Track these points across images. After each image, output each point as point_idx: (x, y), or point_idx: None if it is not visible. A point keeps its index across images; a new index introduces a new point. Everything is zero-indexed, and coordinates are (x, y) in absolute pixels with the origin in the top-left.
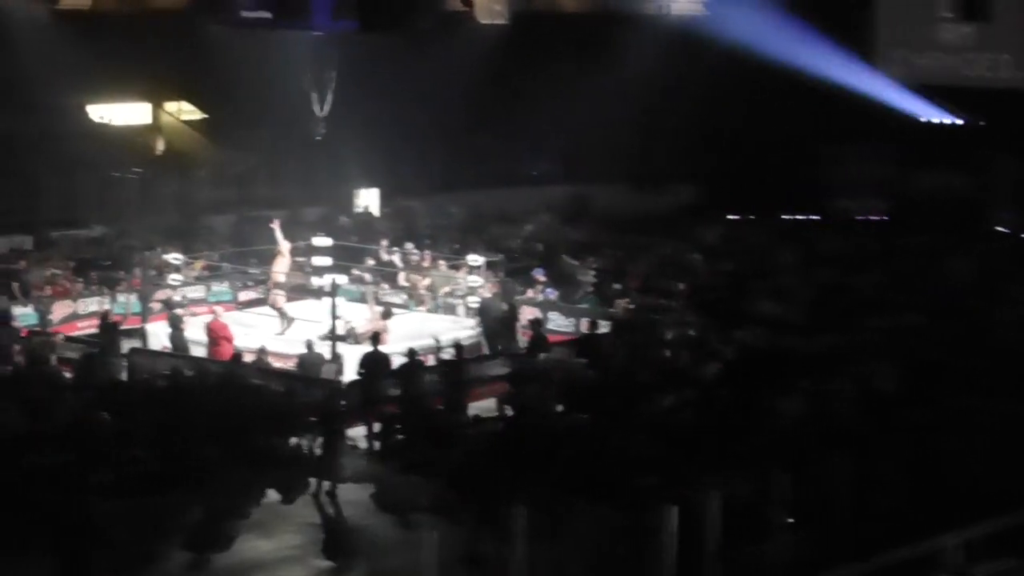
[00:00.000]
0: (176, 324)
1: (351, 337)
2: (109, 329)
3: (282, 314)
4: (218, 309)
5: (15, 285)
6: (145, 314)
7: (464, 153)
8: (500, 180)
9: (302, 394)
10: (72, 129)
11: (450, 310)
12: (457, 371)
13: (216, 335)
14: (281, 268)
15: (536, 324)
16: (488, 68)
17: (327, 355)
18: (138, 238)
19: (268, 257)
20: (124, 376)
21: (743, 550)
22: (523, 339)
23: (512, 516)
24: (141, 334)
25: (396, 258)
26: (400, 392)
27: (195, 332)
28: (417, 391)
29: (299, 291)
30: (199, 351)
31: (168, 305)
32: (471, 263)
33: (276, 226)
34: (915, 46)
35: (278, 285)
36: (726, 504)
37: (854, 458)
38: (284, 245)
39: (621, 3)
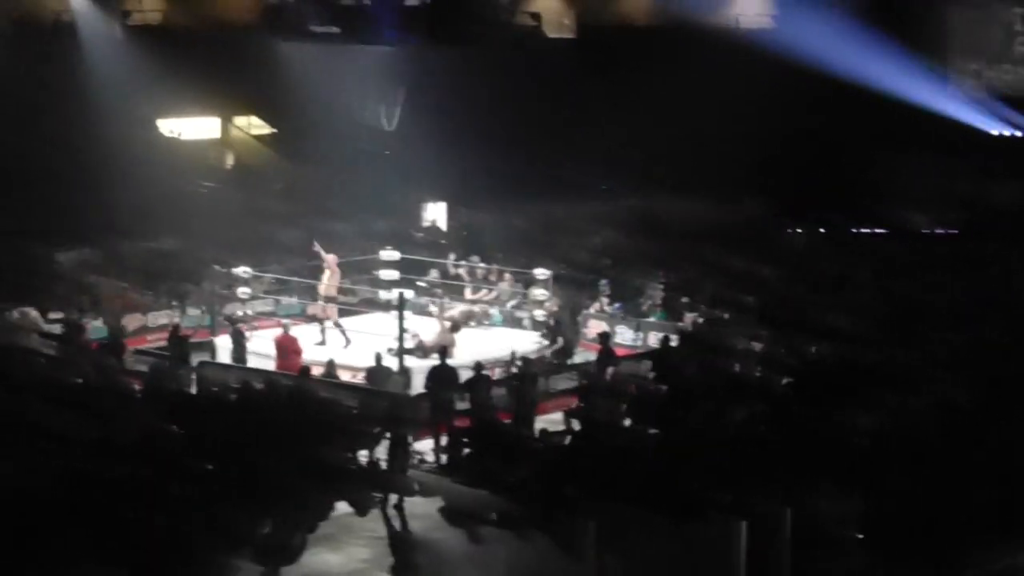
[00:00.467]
0: (237, 339)
1: (419, 350)
2: (179, 342)
3: (338, 327)
4: (286, 322)
5: (84, 298)
6: (214, 327)
7: (532, 167)
8: (568, 193)
9: (370, 407)
10: (143, 143)
11: (517, 322)
12: (524, 385)
13: (285, 348)
14: (331, 282)
15: (604, 337)
16: (556, 82)
17: (395, 368)
18: (208, 251)
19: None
20: (193, 389)
21: (813, 566)
22: (591, 353)
23: (580, 531)
24: (210, 347)
25: (463, 271)
26: (468, 405)
27: (262, 345)
28: (485, 404)
29: (367, 304)
30: (267, 364)
31: (231, 320)
32: (538, 276)
33: (318, 247)
34: (988, 58)
35: (329, 299)
36: (796, 520)
37: (928, 474)
38: (329, 259)
39: (690, 16)
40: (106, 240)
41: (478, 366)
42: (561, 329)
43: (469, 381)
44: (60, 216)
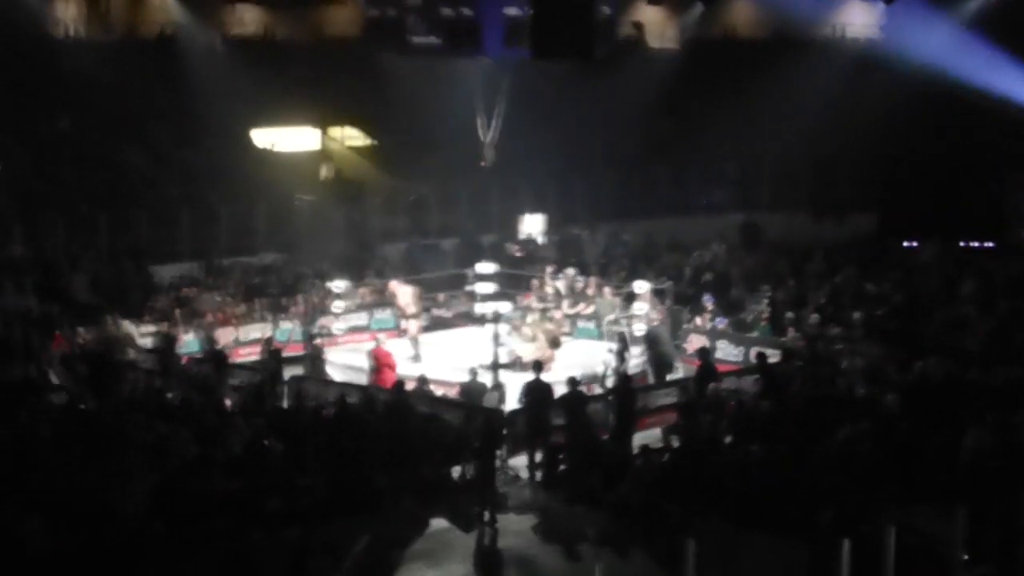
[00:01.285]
0: (316, 355)
1: (515, 365)
2: (273, 356)
3: (414, 343)
4: (380, 336)
5: (178, 311)
6: (308, 341)
7: (636, 180)
8: (672, 208)
9: (465, 422)
10: (244, 156)
11: (616, 337)
12: (622, 400)
13: (379, 362)
14: (407, 299)
15: (704, 353)
16: (660, 94)
17: (489, 383)
18: (309, 266)
19: (435, 284)
20: (288, 403)
21: None
22: (691, 368)
23: (681, 549)
24: (304, 361)
25: (560, 285)
26: (564, 421)
27: (356, 359)
28: (582, 420)
29: (462, 318)
30: (360, 378)
31: (309, 337)
32: (636, 290)
33: (394, 285)
34: None
35: (409, 316)
36: (902, 539)
37: None
38: (396, 289)
39: (795, 27)
40: (208, 254)
41: (573, 381)
42: (659, 344)
43: (564, 397)
44: (161, 230)
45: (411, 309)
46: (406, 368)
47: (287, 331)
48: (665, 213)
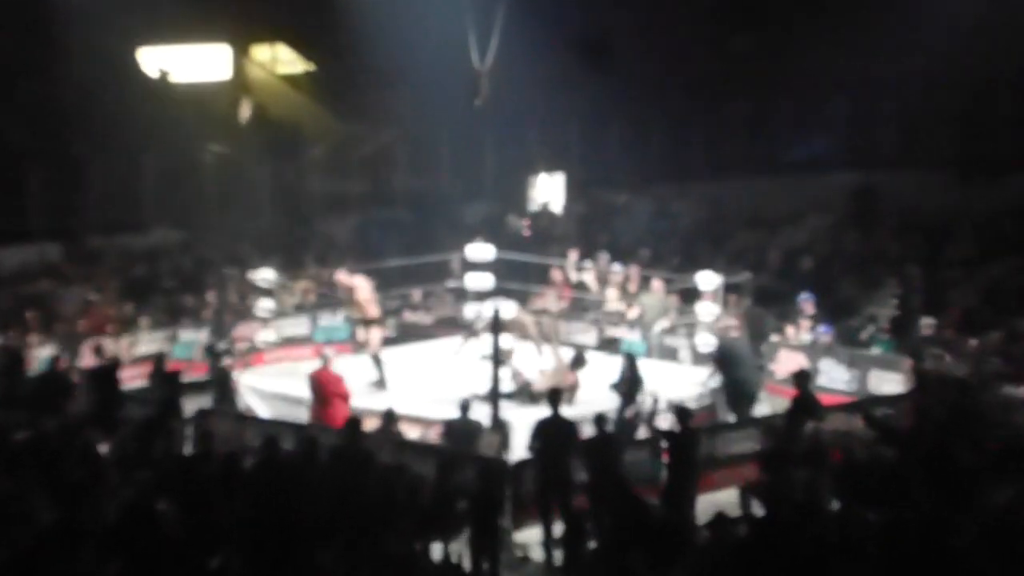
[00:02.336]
0: (223, 381)
1: (522, 394)
2: (167, 381)
3: (375, 361)
4: (328, 352)
5: (30, 315)
6: (220, 359)
7: (697, 125)
8: (751, 165)
9: (450, 477)
10: (124, 88)
11: (669, 354)
12: (681, 447)
13: (325, 390)
14: (367, 296)
15: (802, 378)
16: (734, 9)
17: (486, 421)
18: (216, 248)
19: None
20: (190, 449)
21: None
22: (780, 400)
23: None
24: (215, 388)
25: (589, 277)
26: (594, 477)
27: (292, 385)
28: (618, 475)
29: (446, 325)
30: (300, 413)
31: (213, 354)
32: (700, 284)
33: (341, 275)
34: None
35: (370, 322)
36: None
37: None
38: (349, 282)
39: None
40: (68, 231)
41: (600, 420)
42: (736, 365)
43: (593, 441)
44: (4, 199)
45: (373, 312)
46: (365, 399)
47: (188, 345)
48: (740, 172)
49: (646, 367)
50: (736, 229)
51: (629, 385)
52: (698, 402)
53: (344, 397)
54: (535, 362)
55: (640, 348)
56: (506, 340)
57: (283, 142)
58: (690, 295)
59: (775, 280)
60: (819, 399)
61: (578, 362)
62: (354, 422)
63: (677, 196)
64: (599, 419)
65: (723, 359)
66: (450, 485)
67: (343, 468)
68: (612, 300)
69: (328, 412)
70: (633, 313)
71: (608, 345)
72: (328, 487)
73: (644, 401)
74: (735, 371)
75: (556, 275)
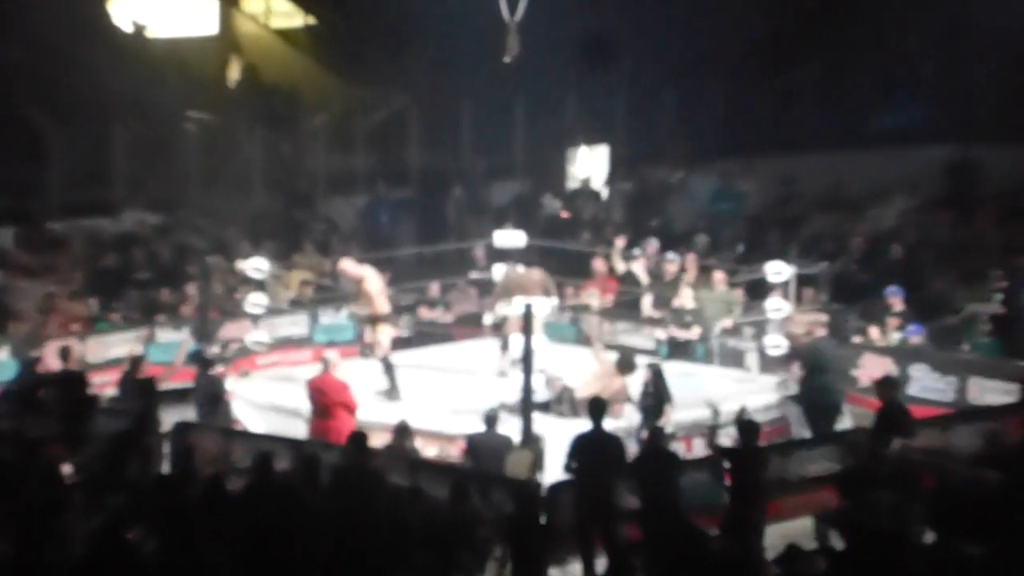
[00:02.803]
0: (218, 387)
1: (561, 404)
2: (142, 389)
3: (386, 366)
4: (330, 356)
5: None
6: (204, 363)
7: (763, 90)
8: (827, 139)
9: (474, 503)
10: (92, 45)
11: (734, 359)
12: (746, 468)
13: (326, 400)
14: (376, 289)
15: (889, 387)
16: None
17: (516, 436)
18: (199, 234)
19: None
20: (170, 469)
21: None
22: (863, 412)
23: None
24: (198, 397)
25: (638, 267)
26: (643, 502)
27: (288, 394)
28: (672, 500)
29: (468, 324)
30: (297, 427)
31: (201, 362)
32: (770, 276)
33: (346, 264)
34: None
35: (379, 320)
36: None
37: None
38: (357, 273)
39: None
40: (27, 213)
41: (655, 434)
42: (821, 369)
43: (642, 459)
44: None
45: (383, 308)
46: (374, 410)
47: (167, 346)
48: (816, 145)
49: (706, 374)
50: (811, 211)
51: (655, 400)
52: (766, 415)
53: (349, 408)
54: (574, 366)
55: (698, 351)
56: (540, 341)
57: (278, 109)
58: (757, 289)
59: (857, 271)
60: (909, 411)
61: (626, 366)
62: (359, 437)
63: (741, 173)
64: (654, 433)
65: (811, 362)
66: (473, 512)
67: (347, 491)
68: (685, 297)
69: (331, 425)
70: (690, 308)
71: (678, 350)
72: (330, 514)
73: (666, 420)
74: (818, 377)
75: (599, 265)
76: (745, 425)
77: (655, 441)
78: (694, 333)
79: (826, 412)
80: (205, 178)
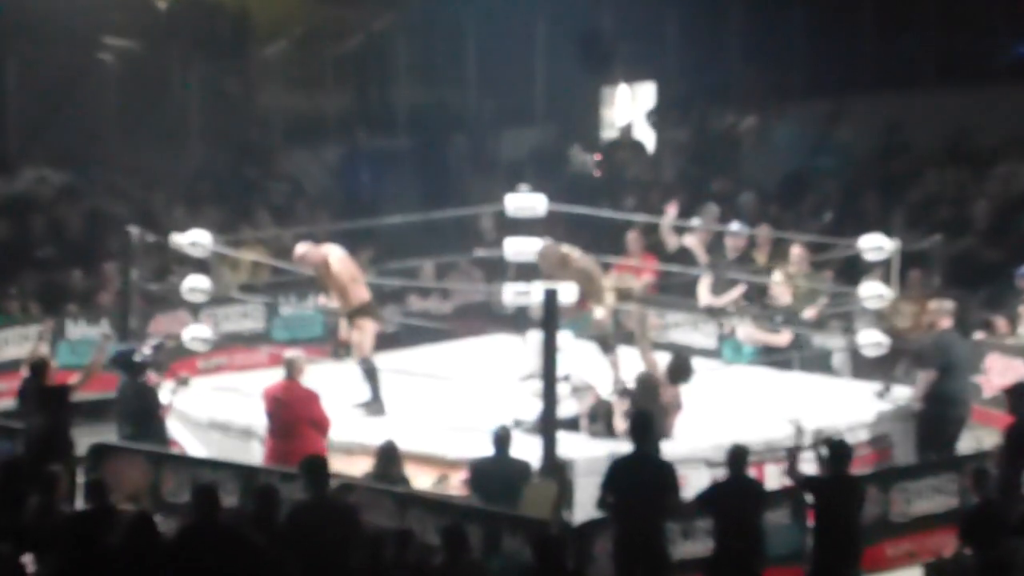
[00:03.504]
0: (149, 397)
1: (595, 422)
2: (46, 400)
3: (364, 370)
4: (294, 357)
5: None
6: (130, 366)
7: (856, 18)
8: (946, 73)
9: (479, 551)
10: None
11: (818, 361)
12: (835, 503)
13: (289, 414)
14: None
15: (1021, 395)
16: None
17: (535, 462)
18: (119, 197)
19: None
20: (83, 504)
21: None
22: (990, 431)
23: None
24: (122, 410)
25: (693, 241)
26: (710, 546)
27: (234, 406)
28: (743, 543)
29: (472, 318)
30: (249, 450)
31: (124, 364)
32: (868, 254)
33: (303, 249)
34: None
35: (354, 311)
36: None
37: None
38: (317, 255)
39: None
40: None
41: (738, 455)
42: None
43: (710, 494)
44: None
45: (357, 297)
46: (350, 427)
47: (81, 345)
48: (928, 81)
49: (781, 379)
50: (923, 168)
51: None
52: (860, 433)
53: (319, 425)
54: (611, 372)
55: (727, 355)
56: (567, 339)
57: (222, 34)
58: (850, 269)
59: (982, 246)
60: None
61: (680, 372)
62: (315, 463)
63: (832, 118)
64: (736, 454)
65: (936, 362)
66: (476, 564)
67: (308, 536)
68: (779, 289)
69: (295, 448)
70: (785, 298)
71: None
72: (288, 565)
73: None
74: (948, 382)
75: (633, 240)
76: (834, 447)
77: (737, 466)
78: (783, 339)
79: (949, 429)
80: (125, 126)
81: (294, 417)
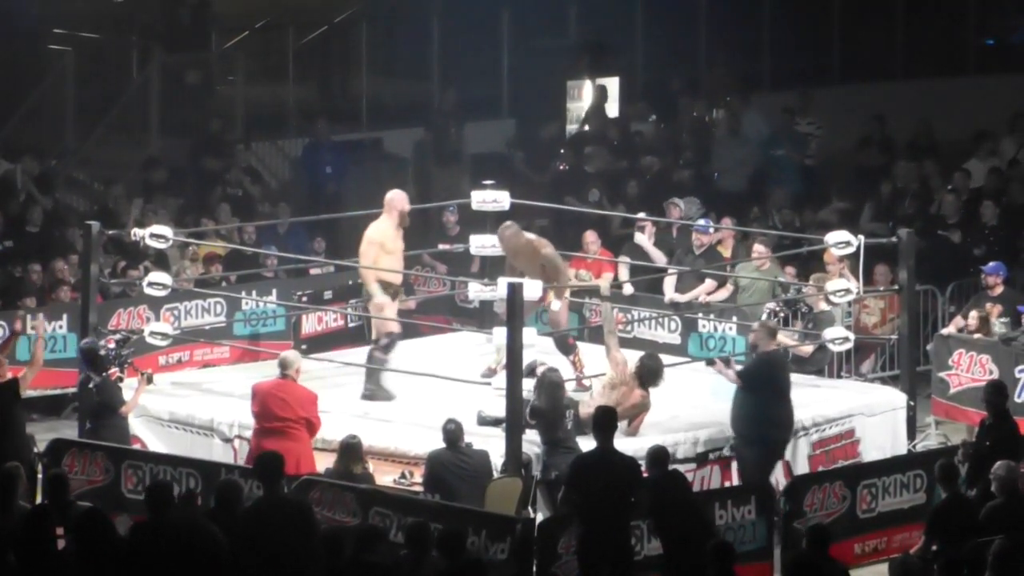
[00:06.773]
0: (109, 393)
1: (566, 421)
2: None
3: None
4: (290, 356)
5: None
6: (88, 363)
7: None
8: (917, 64)
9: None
10: None
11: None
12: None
13: (287, 413)
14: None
15: (994, 393)
16: None
17: (498, 457)
18: (74, 190)
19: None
20: (39, 501)
21: None
22: (960, 427)
23: None
24: (83, 407)
25: (641, 238)
26: (669, 545)
27: (197, 404)
28: (696, 539)
29: (436, 311)
30: (208, 448)
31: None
32: (833, 249)
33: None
34: None
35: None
36: None
37: None
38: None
39: None
40: None
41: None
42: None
43: (672, 489)
44: None
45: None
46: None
47: (29, 341)
48: (899, 73)
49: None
50: (892, 160)
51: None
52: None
53: (313, 428)
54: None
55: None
56: (531, 337)
57: (182, 24)
58: (809, 264)
59: (948, 240)
60: (1018, 426)
61: (650, 375)
62: (271, 460)
63: (791, 110)
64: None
65: (761, 385)
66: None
67: (267, 532)
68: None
69: (288, 448)
70: (722, 294)
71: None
72: (246, 560)
73: None
74: (771, 406)
75: (589, 239)
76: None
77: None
78: (806, 348)
79: (776, 452)
80: (80, 115)
81: (293, 416)
